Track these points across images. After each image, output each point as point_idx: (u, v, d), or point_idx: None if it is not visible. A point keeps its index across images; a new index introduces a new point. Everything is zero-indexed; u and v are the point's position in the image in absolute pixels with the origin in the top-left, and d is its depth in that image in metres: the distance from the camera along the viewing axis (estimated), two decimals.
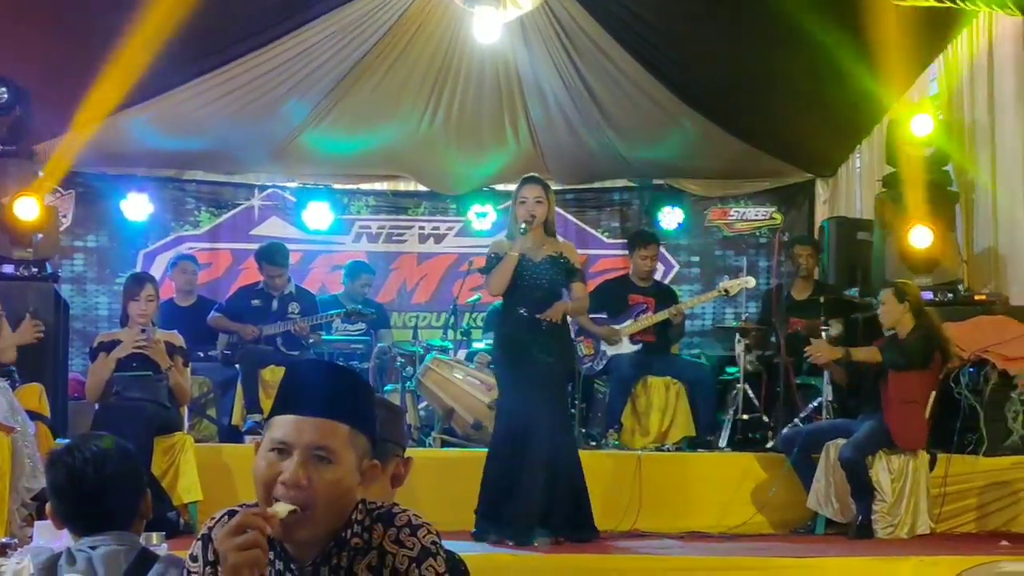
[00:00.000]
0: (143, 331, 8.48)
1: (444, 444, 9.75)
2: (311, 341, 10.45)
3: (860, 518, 8.13)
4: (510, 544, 7.24)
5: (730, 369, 10.58)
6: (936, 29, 10.43)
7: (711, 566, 7.06)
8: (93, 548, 3.56)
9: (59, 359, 9.73)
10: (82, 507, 3.64)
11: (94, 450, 3.70)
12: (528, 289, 7.57)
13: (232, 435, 9.95)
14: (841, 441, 8.30)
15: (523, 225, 7.57)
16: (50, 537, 4.50)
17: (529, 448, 7.32)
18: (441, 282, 13.64)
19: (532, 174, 8.14)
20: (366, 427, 2.79)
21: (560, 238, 7.98)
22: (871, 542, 7.96)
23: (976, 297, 9.88)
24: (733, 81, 11.26)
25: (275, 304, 10.60)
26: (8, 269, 9.24)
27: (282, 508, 2.61)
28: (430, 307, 13.59)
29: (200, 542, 2.86)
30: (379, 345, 10.76)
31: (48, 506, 3.76)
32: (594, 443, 9.60)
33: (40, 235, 9.42)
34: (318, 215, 13.48)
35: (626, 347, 10.11)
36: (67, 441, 3.94)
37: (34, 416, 7.92)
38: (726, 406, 10.09)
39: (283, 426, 2.71)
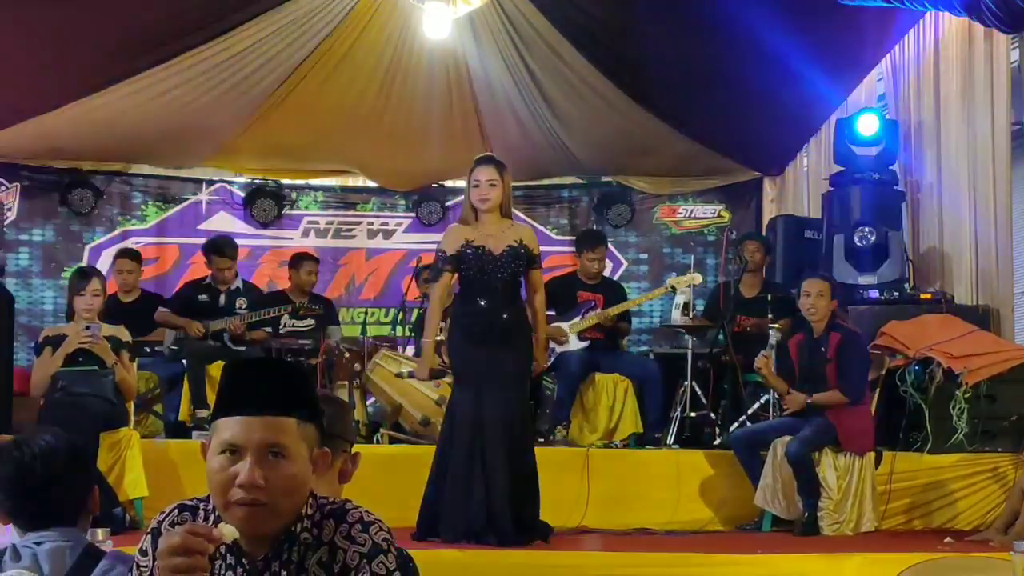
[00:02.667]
0: (88, 327, 8.41)
1: (392, 440, 9.72)
2: (254, 337, 10.40)
3: (807, 515, 8.15)
4: (457, 543, 7.19)
5: (677, 367, 10.60)
6: (883, 29, 10.51)
7: (659, 563, 7.06)
8: (38, 544, 3.54)
9: (3, 353, 9.63)
10: (29, 502, 3.62)
11: (42, 445, 3.69)
12: (489, 281, 7.44)
13: (179, 431, 9.89)
14: (788, 439, 8.32)
15: (480, 203, 7.44)
16: None
17: (486, 445, 7.25)
18: (390, 278, 13.64)
19: (486, 154, 7.99)
20: (313, 416, 2.80)
21: (517, 221, 7.85)
22: (817, 539, 7.99)
23: (921, 296, 9.95)
24: (682, 80, 11.29)
25: (222, 299, 10.52)
26: None
27: (228, 532, 2.61)
28: (379, 303, 13.58)
29: (149, 536, 2.84)
30: (327, 341, 10.71)
31: None
32: (543, 439, 9.59)
33: None
34: (266, 210, 13.47)
35: (574, 344, 10.12)
36: (11, 436, 3.90)
37: None
38: (674, 403, 10.10)
39: (231, 427, 2.70)
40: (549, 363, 9.99)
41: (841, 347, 8.43)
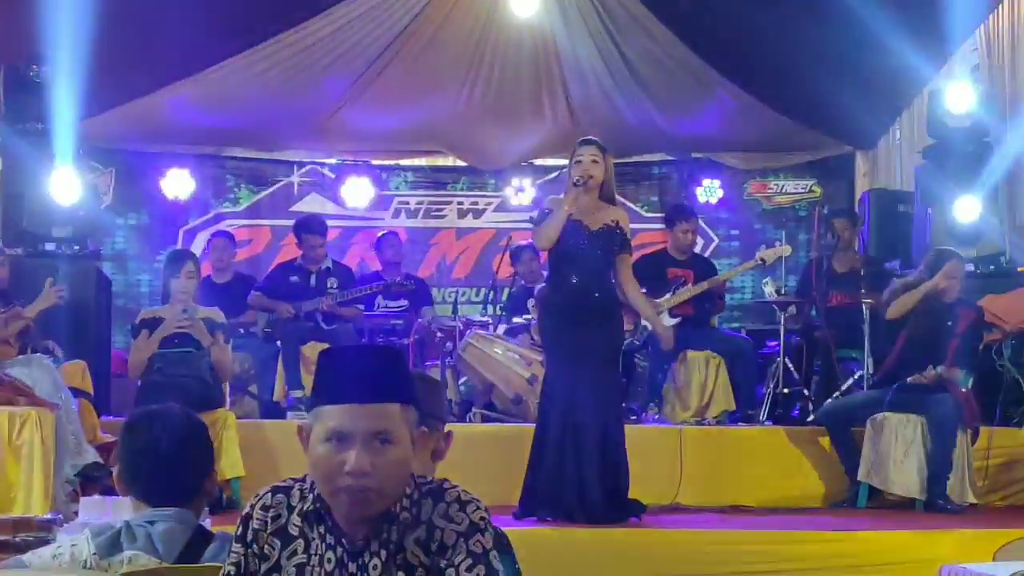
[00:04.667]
0: (184, 310, 8.50)
1: (484, 419, 9.76)
2: (346, 315, 10.47)
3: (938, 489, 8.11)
4: (551, 521, 7.22)
5: (770, 342, 10.54)
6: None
7: (753, 540, 7.05)
8: (152, 524, 3.57)
9: (101, 336, 9.78)
10: (153, 475, 3.64)
11: (173, 420, 3.72)
12: (583, 258, 7.40)
13: (274, 411, 9.99)
14: (916, 418, 8.26)
15: (576, 179, 7.39)
16: (96, 513, 4.53)
17: (578, 425, 7.24)
18: (480, 257, 13.66)
19: (589, 136, 7.99)
20: (413, 399, 2.82)
21: (617, 205, 7.81)
22: (913, 515, 7.92)
23: (1018, 269, 9.82)
24: (772, 54, 11.19)
25: (313, 280, 10.59)
26: (50, 247, 9.25)
27: None
28: (469, 282, 13.62)
29: (241, 524, 2.86)
30: (419, 321, 10.77)
31: (116, 471, 3.76)
32: (635, 417, 9.60)
33: (80, 213, 9.44)
34: (357, 191, 13.53)
35: (666, 321, 10.08)
36: (135, 412, 3.94)
37: (77, 393, 7.98)
38: (766, 379, 10.06)
39: (337, 416, 2.72)
40: (641, 342, 10.00)
41: (973, 325, 8.38)
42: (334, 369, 2.81)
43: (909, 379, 8.43)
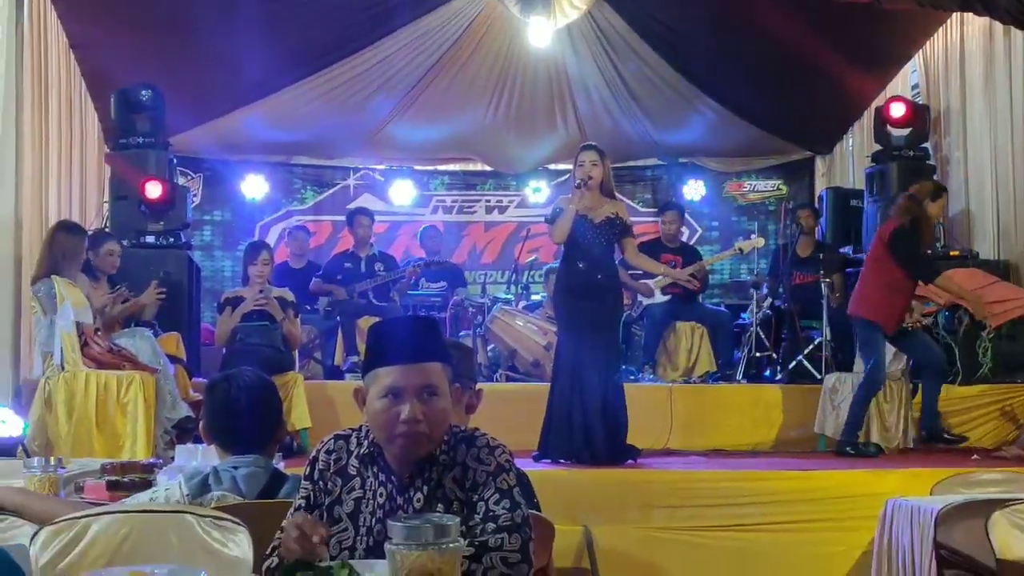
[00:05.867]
0: (261, 291, 8.54)
1: (508, 379, 9.78)
2: (396, 292, 10.53)
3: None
4: (563, 463, 7.24)
5: (744, 315, 10.54)
6: (916, 27, 10.36)
7: (730, 478, 7.06)
8: (235, 468, 3.59)
9: (192, 312, 9.81)
10: (233, 427, 3.67)
11: (246, 380, 3.74)
12: (588, 246, 7.40)
13: (335, 373, 10.01)
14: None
15: (578, 181, 7.40)
16: (188, 457, 4.56)
17: (584, 384, 7.27)
18: (504, 246, 13.65)
19: (589, 142, 7.98)
20: (450, 359, 2.86)
21: (615, 199, 7.81)
22: (859, 457, 7.92)
23: (951, 253, 9.79)
24: (745, 75, 11.21)
25: (363, 265, 10.63)
26: (150, 239, 9.30)
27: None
28: (495, 266, 13.60)
29: (308, 465, 2.89)
30: (454, 298, 10.79)
31: (203, 424, 3.79)
32: (632, 377, 9.59)
33: (172, 211, 9.48)
34: (402, 192, 13.54)
35: (658, 298, 10.10)
36: (215, 375, 3.96)
37: (173, 359, 8.00)
38: (742, 345, 10.07)
39: (391, 375, 2.75)
40: (637, 314, 10.02)
41: None
42: (384, 337, 2.84)
43: None
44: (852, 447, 7.97)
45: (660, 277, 10.03)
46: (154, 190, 9.27)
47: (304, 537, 2.47)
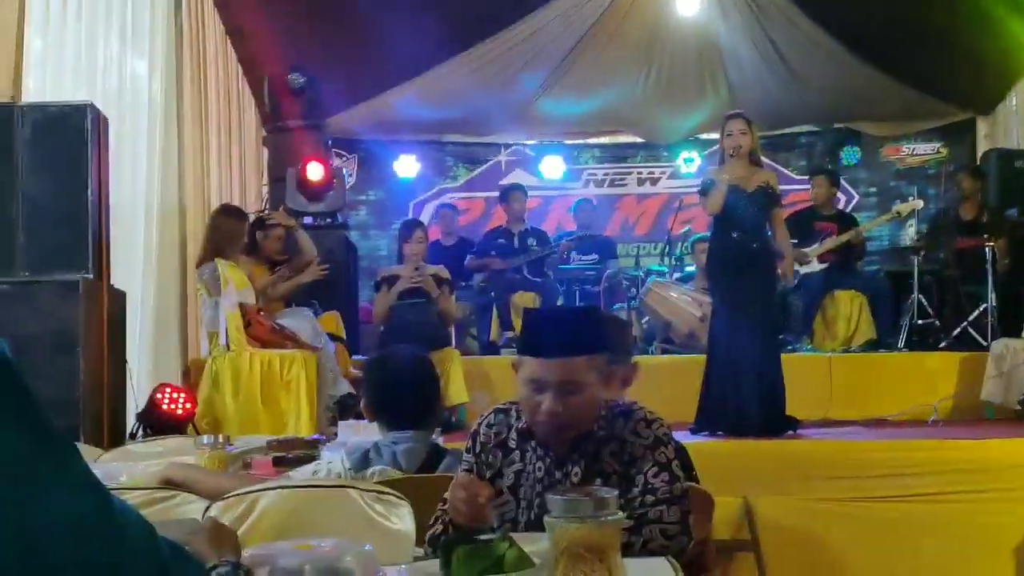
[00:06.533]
0: (416, 268, 8.65)
1: (664, 352, 9.75)
2: (548, 268, 10.57)
3: None
4: (721, 435, 7.20)
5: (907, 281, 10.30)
6: None
7: (892, 448, 6.92)
8: (395, 444, 3.65)
9: (350, 291, 9.99)
10: (392, 404, 3.73)
11: (407, 358, 3.80)
12: (741, 217, 7.31)
13: (490, 349, 10.08)
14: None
15: (732, 149, 7.32)
16: (350, 433, 4.66)
17: (741, 354, 7.21)
18: (657, 217, 13.57)
19: (736, 111, 7.89)
20: (600, 348, 2.82)
21: (764, 168, 7.72)
22: None
23: None
24: (900, 35, 10.92)
25: (516, 240, 10.68)
26: (308, 220, 9.45)
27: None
28: (649, 238, 13.52)
29: (470, 438, 2.93)
30: (607, 272, 10.78)
31: (363, 402, 3.86)
32: (790, 348, 9.47)
33: (331, 192, 9.63)
34: (553, 166, 13.56)
35: (815, 266, 9.94)
36: (373, 354, 4.03)
37: (333, 338, 8.17)
38: (902, 313, 9.85)
39: (533, 367, 2.76)
40: (795, 283, 9.87)
41: None
42: (533, 327, 2.86)
43: None
44: None
45: (816, 246, 9.90)
46: (316, 171, 9.43)
47: (471, 498, 2.51)
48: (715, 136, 8.03)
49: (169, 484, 3.44)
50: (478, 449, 2.90)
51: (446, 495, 2.75)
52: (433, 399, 3.84)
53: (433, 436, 3.87)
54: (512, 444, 2.88)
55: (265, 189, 10.28)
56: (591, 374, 2.77)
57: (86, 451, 4.64)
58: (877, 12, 10.63)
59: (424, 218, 12.76)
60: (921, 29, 10.62)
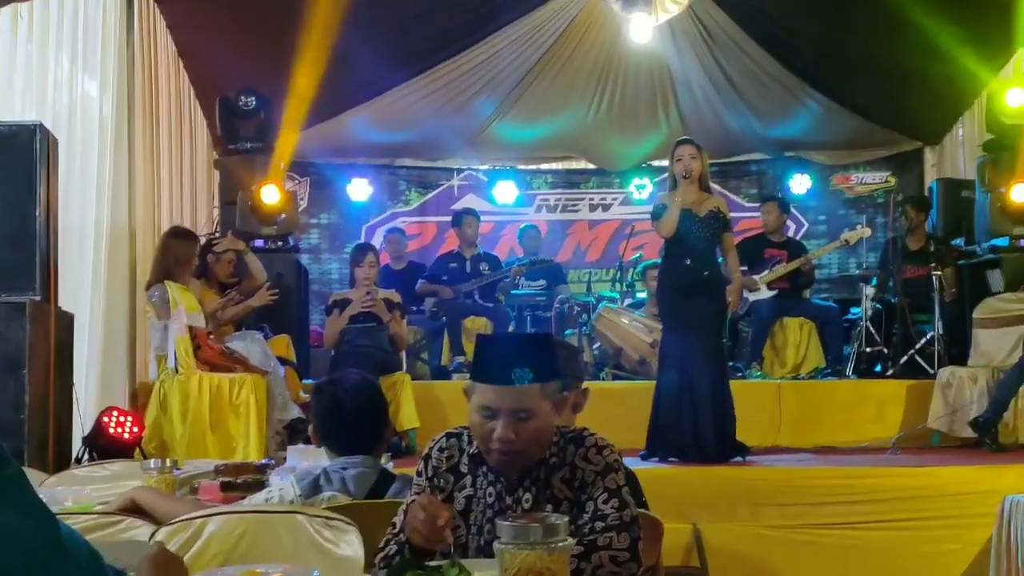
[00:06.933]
0: (368, 292, 8.64)
1: (615, 377, 9.77)
2: (500, 292, 10.60)
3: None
4: (672, 461, 7.22)
5: (854, 310, 10.38)
6: None
7: (840, 475, 6.98)
8: (345, 469, 3.64)
9: (301, 315, 9.94)
10: (340, 429, 3.72)
11: (352, 382, 3.79)
12: (692, 242, 7.38)
13: (442, 373, 10.07)
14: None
15: (684, 173, 7.35)
16: (299, 457, 4.63)
17: (692, 381, 7.25)
18: (609, 243, 13.60)
19: (684, 137, 7.96)
20: (553, 375, 2.81)
21: (714, 195, 7.79)
22: (978, 453, 7.75)
23: None
24: (851, 65, 11.04)
25: (468, 265, 10.71)
26: (259, 243, 9.38)
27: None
28: (600, 264, 13.56)
29: (422, 461, 2.92)
30: (559, 297, 10.80)
31: (311, 428, 3.85)
32: (740, 374, 9.53)
33: (283, 215, 9.58)
34: (505, 191, 13.58)
35: (764, 293, 10.01)
36: (321, 379, 4.03)
37: (283, 361, 8.13)
38: (851, 341, 9.93)
39: (487, 394, 2.75)
40: (744, 310, 9.93)
41: None
42: (485, 354, 2.83)
43: None
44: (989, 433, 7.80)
45: (766, 273, 9.97)
46: (271, 195, 9.35)
47: (430, 520, 2.50)
48: (666, 163, 8.09)
49: (132, 508, 3.43)
50: (430, 473, 2.89)
51: (395, 519, 2.75)
52: (382, 424, 3.83)
53: (383, 461, 3.86)
54: (464, 469, 2.88)
55: (216, 211, 10.22)
56: (544, 401, 2.76)
57: (31, 475, 4.58)
58: (826, 41, 10.75)
59: (376, 242, 12.72)
60: (871, 59, 10.74)
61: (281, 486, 3.66)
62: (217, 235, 8.99)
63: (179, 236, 7.86)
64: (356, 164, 13.29)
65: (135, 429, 6.92)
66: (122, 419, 6.88)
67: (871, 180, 13.55)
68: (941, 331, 9.19)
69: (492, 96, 11.97)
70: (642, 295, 10.93)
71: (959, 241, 10.52)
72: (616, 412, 7.87)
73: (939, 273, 9.31)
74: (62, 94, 8.02)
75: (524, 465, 2.79)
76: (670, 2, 9.97)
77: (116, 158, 8.57)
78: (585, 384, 4.04)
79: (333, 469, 3.65)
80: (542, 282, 11.27)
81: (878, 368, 9.72)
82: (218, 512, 3.10)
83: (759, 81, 11.57)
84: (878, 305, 9.98)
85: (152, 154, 9.41)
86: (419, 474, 2.91)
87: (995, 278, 9.60)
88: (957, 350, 9.12)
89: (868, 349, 9.70)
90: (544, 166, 14.02)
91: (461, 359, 9.83)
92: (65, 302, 6.72)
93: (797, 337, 10.02)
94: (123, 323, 8.60)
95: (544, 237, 12.58)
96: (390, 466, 4.06)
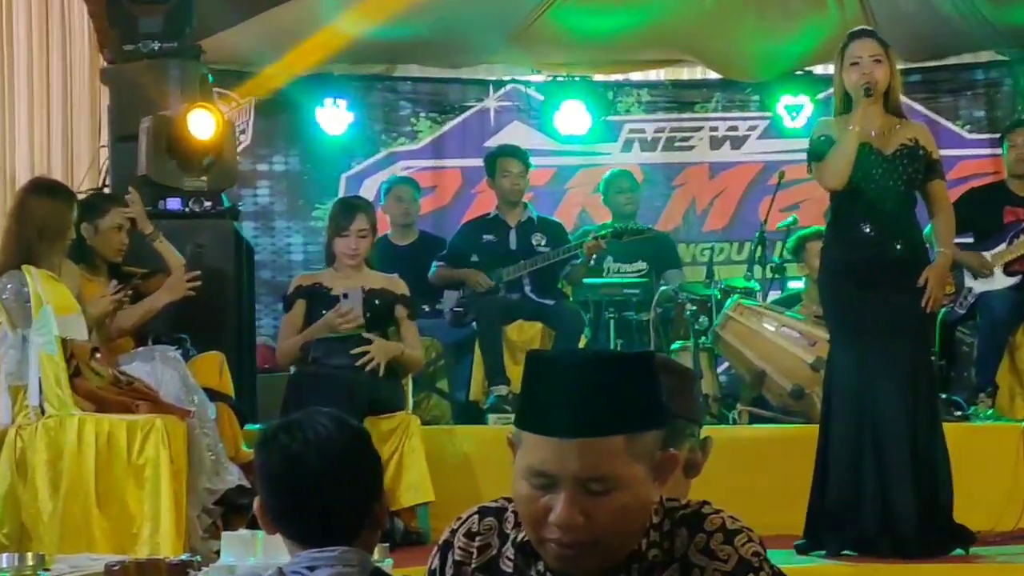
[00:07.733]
0: (344, 295, 8.55)
1: (753, 419, 9.78)
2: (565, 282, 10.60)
3: None
4: (847, 556, 7.22)
5: None
6: None
7: None
8: (311, 570, 3.64)
9: (243, 320, 9.90)
10: (301, 505, 3.67)
11: (319, 430, 3.67)
12: (876, 196, 7.34)
13: (470, 414, 10.09)
14: None
15: (865, 86, 7.29)
16: (240, 551, 4.66)
17: (879, 425, 7.23)
18: (742, 201, 13.57)
19: (864, 27, 7.93)
20: (650, 420, 2.74)
21: (912, 118, 7.76)
22: None
23: None
24: None
25: (512, 238, 10.69)
26: (174, 204, 9.32)
27: None
28: (728, 235, 13.55)
29: (439, 554, 2.93)
30: (662, 289, 10.79)
31: (257, 503, 3.82)
32: (959, 413, 9.49)
33: (213, 160, 9.49)
34: (574, 117, 13.54)
35: (1000, 281, 9.97)
36: (273, 423, 3.97)
37: (214, 395, 8.09)
38: None
39: (539, 450, 2.66)
40: (965, 309, 9.88)
41: None
42: (540, 384, 2.74)
43: None
44: None
45: (1003, 247, 9.93)
46: (202, 124, 9.25)
47: None
48: (833, 71, 8.06)
49: None
50: (450, 572, 2.90)
51: None
52: (371, 496, 3.83)
53: (374, 556, 3.88)
54: (507, 566, 2.87)
55: (104, 153, 10.27)
56: (634, 465, 2.69)
57: None
58: None
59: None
60: None
61: None
62: (107, 190, 9.02)
63: (43, 193, 7.91)
64: (331, 75, 13.28)
65: None
66: None
67: None
68: None
69: None
70: (797, 284, 10.91)
71: None
72: (755, 475, 7.88)
73: None
74: None
75: (602, 565, 2.78)
76: None
77: None
78: (705, 432, 4.05)
79: (293, 570, 3.66)
80: (642, 265, 11.27)
81: None
82: None
83: None
84: None
85: (3, 67, 9.46)
86: (432, 574, 2.92)
87: None
88: None
89: None
90: (636, 76, 14.03)
91: (502, 391, 9.83)
92: None
93: None
94: None
95: (639, 191, 12.54)
96: (387, 564, 4.08)
